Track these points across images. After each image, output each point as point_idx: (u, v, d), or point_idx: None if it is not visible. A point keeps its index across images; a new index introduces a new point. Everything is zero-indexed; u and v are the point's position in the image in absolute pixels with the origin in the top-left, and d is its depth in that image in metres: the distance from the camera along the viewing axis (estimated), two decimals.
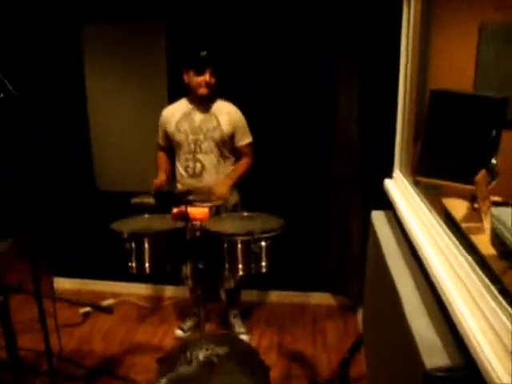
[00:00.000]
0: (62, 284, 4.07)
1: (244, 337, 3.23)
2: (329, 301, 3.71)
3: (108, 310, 3.25)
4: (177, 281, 3.36)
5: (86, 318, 3.61)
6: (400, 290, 1.80)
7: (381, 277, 2.23)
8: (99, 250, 3.54)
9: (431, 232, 1.90)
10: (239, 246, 2.22)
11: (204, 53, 2.88)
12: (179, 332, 3.32)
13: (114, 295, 3.84)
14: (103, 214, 3.42)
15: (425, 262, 1.77)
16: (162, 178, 2.97)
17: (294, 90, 3.35)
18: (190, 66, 2.87)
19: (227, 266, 2.27)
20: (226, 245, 2.24)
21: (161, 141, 3.12)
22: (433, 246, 1.80)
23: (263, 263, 2.25)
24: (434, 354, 1.29)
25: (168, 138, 3.05)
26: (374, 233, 2.39)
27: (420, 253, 1.87)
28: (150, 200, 2.21)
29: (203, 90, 2.88)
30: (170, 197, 2.23)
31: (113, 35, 3.43)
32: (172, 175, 3.10)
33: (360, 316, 3.38)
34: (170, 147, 3.08)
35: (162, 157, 3.16)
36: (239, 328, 3.30)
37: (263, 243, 2.23)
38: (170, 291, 3.88)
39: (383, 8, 2.77)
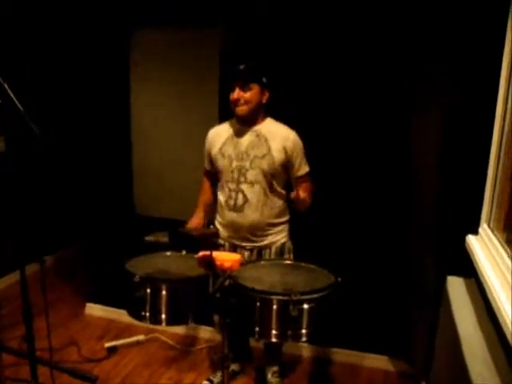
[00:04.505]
0: (94, 311, 3.81)
1: None
2: (386, 365, 3.15)
3: (90, 379, 2.79)
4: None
5: (111, 354, 3.27)
6: None
7: (454, 358, 1.74)
8: None
9: None
10: (274, 307, 1.77)
11: (242, 66, 2.49)
12: None
13: (145, 330, 3.47)
14: (141, 241, 3.15)
15: None
16: (197, 218, 2.64)
17: (361, 118, 2.88)
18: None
19: (257, 329, 1.81)
20: (258, 303, 1.79)
21: (207, 165, 2.74)
22: None
23: (303, 330, 1.78)
24: None
25: (212, 163, 2.66)
26: (449, 305, 1.88)
27: (508, 336, 1.40)
28: (166, 239, 1.82)
29: (236, 110, 2.50)
30: (188, 239, 1.82)
31: (163, 42, 3.15)
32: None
33: None
34: (216, 173, 2.69)
35: (205, 187, 2.79)
36: None
37: (305, 306, 1.76)
38: (207, 333, 3.45)
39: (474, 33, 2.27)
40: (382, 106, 2.82)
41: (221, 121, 2.82)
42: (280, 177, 2.55)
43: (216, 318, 2.66)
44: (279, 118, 2.61)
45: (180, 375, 3.05)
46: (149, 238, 1.95)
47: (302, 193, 2.36)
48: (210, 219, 2.68)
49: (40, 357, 2.23)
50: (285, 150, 2.49)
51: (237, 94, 2.45)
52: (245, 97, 2.44)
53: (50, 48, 4.21)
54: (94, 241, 3.71)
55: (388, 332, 3.07)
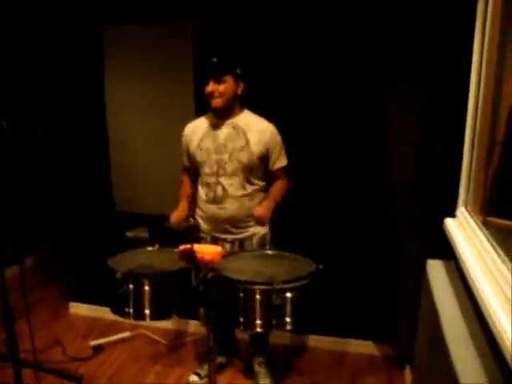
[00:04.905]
0: (78, 310, 3.79)
1: None
2: (371, 350, 3.19)
3: (76, 378, 2.78)
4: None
5: (97, 352, 3.25)
6: (457, 367, 1.42)
7: (435, 340, 1.77)
8: None
9: (503, 289, 1.44)
10: (257, 297, 1.78)
11: (215, 59, 2.48)
12: (194, 378, 2.89)
13: (130, 327, 3.46)
14: (122, 238, 3.13)
15: (492, 328, 1.31)
16: (179, 211, 2.59)
17: (339, 109, 2.89)
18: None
19: (242, 319, 1.82)
20: (241, 294, 1.80)
21: (185, 161, 2.73)
22: (504, 307, 1.36)
23: (287, 319, 1.80)
24: None
25: (191, 157, 2.65)
26: (430, 288, 1.91)
27: (487, 316, 1.44)
28: (145, 235, 1.82)
29: (212, 102, 2.49)
30: (168, 233, 1.82)
31: (136, 38, 3.11)
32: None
33: (408, 374, 2.85)
34: (196, 168, 2.68)
35: (185, 181, 2.78)
36: (263, 380, 2.83)
37: (288, 294, 1.78)
38: (193, 327, 3.45)
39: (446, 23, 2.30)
40: (359, 98, 2.84)
41: (197, 115, 2.81)
42: (258, 169, 2.56)
43: (201, 310, 2.66)
44: (268, 115, 2.61)
45: (167, 370, 3.05)
46: (129, 234, 1.94)
47: (259, 210, 2.49)
48: (192, 213, 2.67)
49: (24, 359, 2.21)
50: (263, 142, 2.50)
51: (211, 87, 2.45)
52: (219, 89, 2.44)
53: (19, 46, 4.11)
54: (74, 239, 3.67)
55: (372, 317, 3.10)
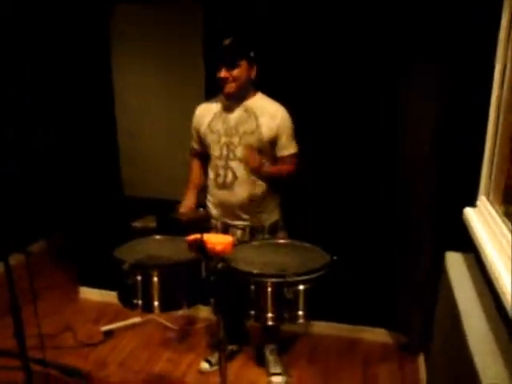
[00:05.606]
0: (88, 294, 3.77)
1: (279, 379, 2.74)
2: (384, 338, 3.15)
3: (77, 373, 2.76)
4: None
5: (108, 337, 3.24)
6: (477, 361, 1.37)
7: (454, 333, 1.72)
8: None
9: None
10: (268, 289, 1.71)
11: (227, 41, 2.35)
12: (205, 365, 2.87)
13: (141, 312, 3.42)
14: (129, 227, 3.08)
15: None
16: (189, 200, 2.55)
17: (355, 95, 2.79)
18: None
19: (253, 312, 1.77)
20: (252, 287, 1.74)
21: (194, 144, 2.66)
22: None
23: (300, 312, 1.74)
24: None
25: (201, 140, 2.58)
26: (448, 280, 1.83)
27: (508, 309, 1.40)
28: (154, 224, 1.75)
29: (225, 88, 2.38)
30: (177, 223, 1.75)
31: (144, 18, 3.03)
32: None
33: (421, 362, 2.81)
34: (205, 152, 2.61)
35: (194, 168, 2.70)
36: (275, 367, 2.80)
37: (301, 287, 1.71)
38: (204, 312, 3.40)
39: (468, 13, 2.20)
40: (371, 85, 2.74)
41: (207, 98, 2.74)
42: (268, 154, 2.48)
43: (212, 300, 2.61)
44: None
45: (178, 356, 3.03)
46: (136, 224, 1.87)
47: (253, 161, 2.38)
48: (201, 201, 2.62)
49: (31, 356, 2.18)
50: (274, 126, 2.41)
51: (224, 72, 2.34)
52: (233, 74, 2.34)
53: (24, 25, 4.01)
54: (84, 224, 3.65)
55: (385, 305, 3.05)
